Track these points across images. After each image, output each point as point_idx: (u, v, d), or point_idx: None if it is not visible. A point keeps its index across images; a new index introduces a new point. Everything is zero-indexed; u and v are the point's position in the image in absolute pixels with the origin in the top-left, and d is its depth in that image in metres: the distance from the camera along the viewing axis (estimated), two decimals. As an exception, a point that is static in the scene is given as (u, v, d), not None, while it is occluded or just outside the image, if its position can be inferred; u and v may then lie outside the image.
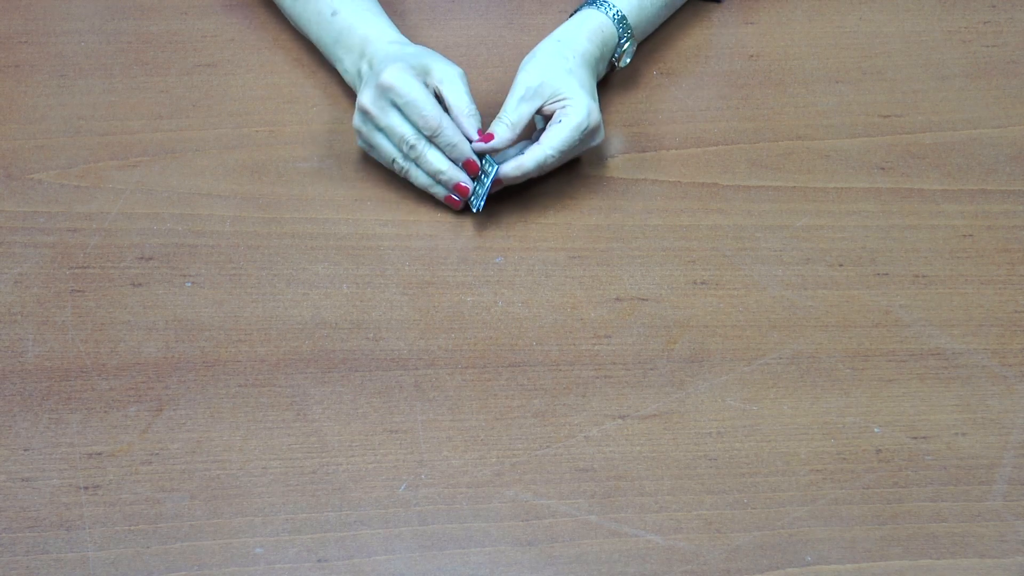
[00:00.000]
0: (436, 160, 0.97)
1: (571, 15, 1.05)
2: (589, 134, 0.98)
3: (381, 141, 0.98)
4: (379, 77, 0.96)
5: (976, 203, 1.02)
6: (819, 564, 0.82)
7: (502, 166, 0.97)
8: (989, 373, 0.92)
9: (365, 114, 0.97)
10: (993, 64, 1.12)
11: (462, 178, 0.97)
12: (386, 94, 0.96)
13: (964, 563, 0.82)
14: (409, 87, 0.95)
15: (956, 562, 0.82)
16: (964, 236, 1.00)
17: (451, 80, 0.97)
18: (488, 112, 1.04)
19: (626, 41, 1.04)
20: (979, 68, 1.12)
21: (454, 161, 0.97)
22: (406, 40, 1.02)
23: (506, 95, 1.01)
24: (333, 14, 1.04)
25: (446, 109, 0.97)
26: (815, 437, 0.88)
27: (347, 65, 1.04)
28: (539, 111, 0.98)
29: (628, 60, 1.06)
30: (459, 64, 0.99)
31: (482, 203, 0.97)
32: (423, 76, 0.97)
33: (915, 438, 0.88)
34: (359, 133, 0.99)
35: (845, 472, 0.87)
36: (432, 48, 1.01)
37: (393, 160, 0.98)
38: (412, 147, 0.96)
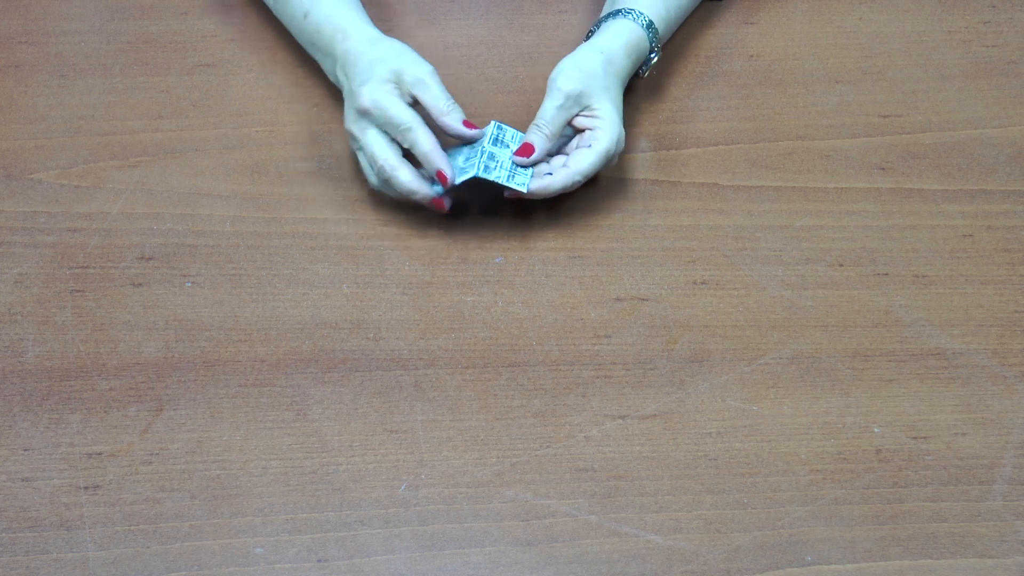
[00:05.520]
0: (407, 182, 0.95)
1: (601, 21, 1.04)
2: (611, 159, 0.98)
3: (361, 159, 0.98)
4: (356, 99, 0.96)
5: (976, 203, 1.02)
6: (819, 564, 0.82)
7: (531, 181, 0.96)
8: (989, 373, 0.92)
9: (350, 135, 0.98)
10: (993, 64, 1.12)
11: (435, 192, 0.96)
12: (364, 117, 0.96)
13: (964, 563, 0.82)
14: (383, 105, 0.95)
15: (956, 562, 0.83)
16: (964, 236, 1.00)
17: (422, 82, 0.96)
18: (488, 110, 1.04)
19: (655, 55, 1.04)
20: (979, 68, 1.12)
21: (429, 172, 0.96)
22: (374, 34, 1.01)
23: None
24: (305, 16, 1.04)
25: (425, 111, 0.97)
26: (815, 437, 0.88)
27: (327, 67, 1.04)
28: (569, 121, 0.98)
29: (652, 72, 1.06)
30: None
31: (525, 182, 0.95)
32: (397, 83, 0.97)
33: (915, 438, 0.88)
34: (352, 147, 1.00)
35: (845, 472, 0.87)
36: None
37: (368, 175, 0.98)
38: (382, 168, 0.96)
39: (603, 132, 0.97)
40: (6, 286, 0.95)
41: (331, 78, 1.04)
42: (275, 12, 1.10)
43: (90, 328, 0.93)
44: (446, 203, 0.96)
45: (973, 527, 0.84)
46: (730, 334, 0.93)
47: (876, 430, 0.89)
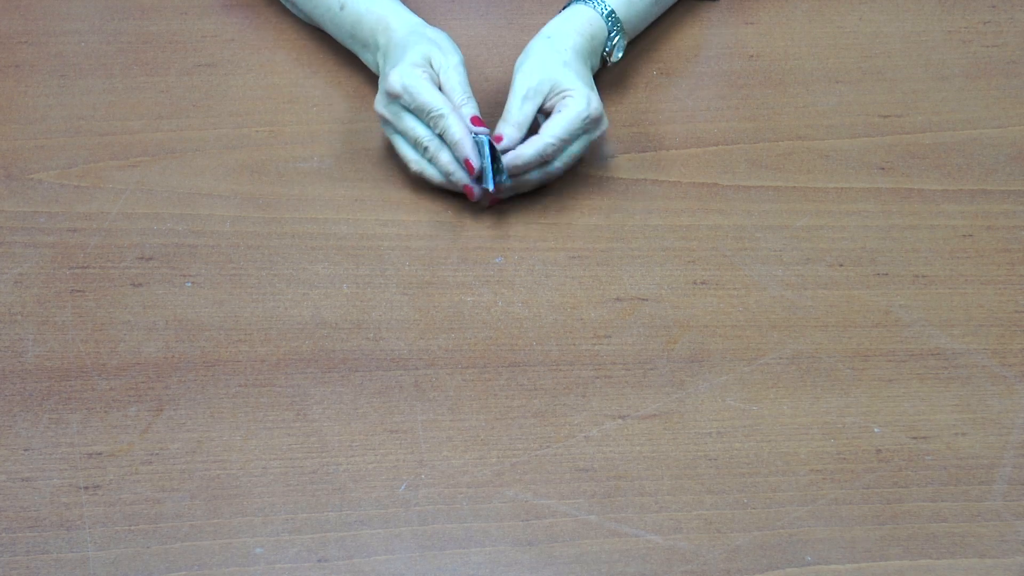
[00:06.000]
0: (448, 162, 0.97)
1: (560, 12, 1.05)
2: (591, 123, 0.98)
3: (399, 143, 0.99)
4: (387, 82, 0.96)
5: (976, 203, 1.02)
6: (819, 564, 0.82)
7: (504, 156, 0.96)
8: (989, 373, 0.92)
9: (382, 119, 0.98)
10: (993, 64, 1.12)
11: (467, 179, 0.97)
12: (395, 100, 0.97)
13: (964, 563, 0.82)
14: (414, 91, 0.96)
15: (956, 562, 0.82)
16: (964, 236, 1.00)
17: (447, 69, 0.98)
18: (489, 111, 1.04)
19: (616, 35, 1.04)
20: (979, 68, 1.12)
21: (458, 159, 0.97)
22: (416, 22, 1.02)
23: (506, 95, 1.01)
24: (341, 8, 1.04)
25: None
26: (815, 437, 0.88)
27: (368, 59, 1.05)
28: (541, 109, 0.99)
29: (619, 55, 1.05)
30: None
31: (491, 181, 0.96)
32: (428, 67, 0.97)
33: (915, 438, 0.88)
34: (385, 132, 1.01)
35: (845, 472, 0.87)
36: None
37: (409, 161, 0.99)
38: (426, 148, 0.97)
39: (572, 99, 0.97)
40: (6, 286, 0.95)
41: (372, 68, 1.05)
42: (304, 9, 1.09)
43: (90, 328, 0.93)
44: (476, 191, 0.97)
45: (973, 527, 0.84)
46: (730, 334, 0.93)
47: (876, 430, 0.89)
